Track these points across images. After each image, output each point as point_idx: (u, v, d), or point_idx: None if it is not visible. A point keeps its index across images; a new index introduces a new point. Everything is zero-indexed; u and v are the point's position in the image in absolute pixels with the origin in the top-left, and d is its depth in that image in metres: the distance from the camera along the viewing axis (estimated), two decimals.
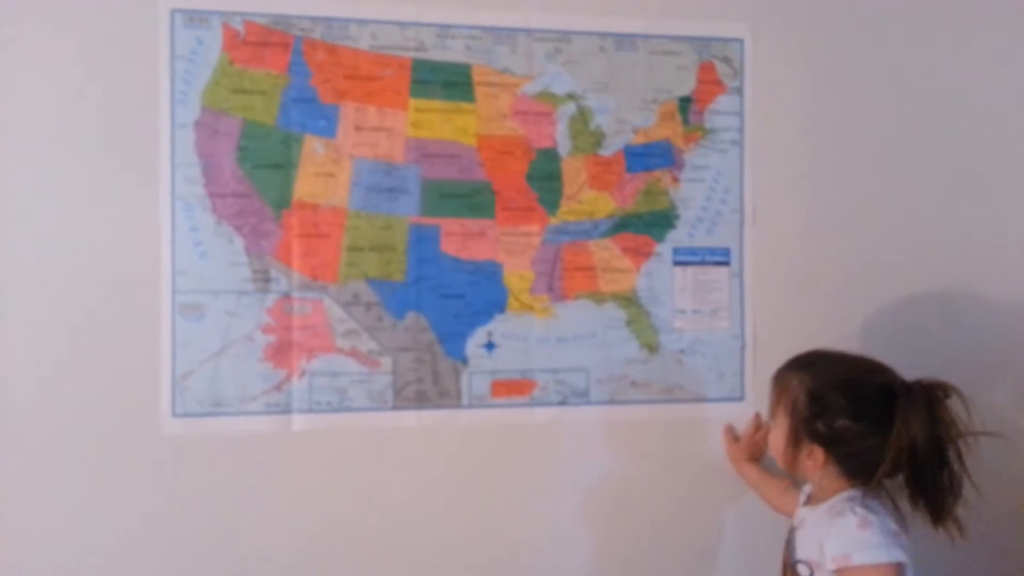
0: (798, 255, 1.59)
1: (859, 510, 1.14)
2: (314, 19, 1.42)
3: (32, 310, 1.35)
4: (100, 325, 1.37)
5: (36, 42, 1.35)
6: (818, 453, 1.18)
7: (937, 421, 1.13)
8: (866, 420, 1.15)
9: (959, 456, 1.15)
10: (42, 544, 1.36)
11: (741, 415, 1.56)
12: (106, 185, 1.37)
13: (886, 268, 1.61)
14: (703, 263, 1.55)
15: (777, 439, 1.24)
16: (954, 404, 1.16)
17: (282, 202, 1.41)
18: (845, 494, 1.19)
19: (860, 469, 1.17)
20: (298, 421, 1.42)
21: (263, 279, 1.41)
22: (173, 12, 1.38)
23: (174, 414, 1.39)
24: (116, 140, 1.37)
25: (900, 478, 1.17)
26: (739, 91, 1.56)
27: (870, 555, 1.11)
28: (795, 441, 1.20)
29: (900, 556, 1.11)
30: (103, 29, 1.37)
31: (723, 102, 1.55)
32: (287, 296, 1.42)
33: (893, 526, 1.14)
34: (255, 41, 1.40)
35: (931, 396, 1.14)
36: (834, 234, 1.60)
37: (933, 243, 1.63)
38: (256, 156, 1.40)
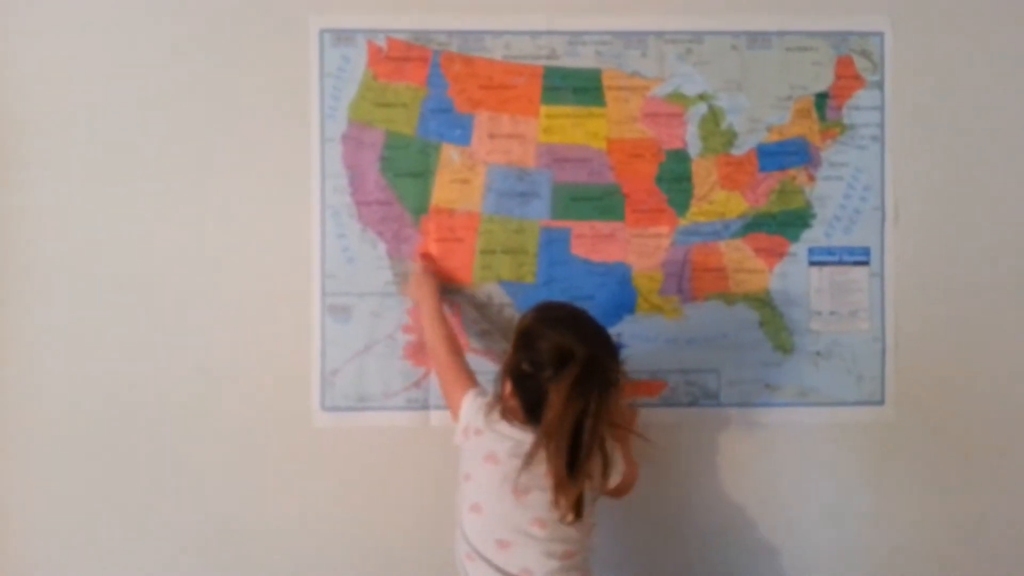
0: (942, 255, 1.52)
1: None
2: (451, 33, 1.48)
3: (194, 314, 1.48)
4: (257, 326, 1.48)
5: (197, 64, 1.48)
6: (508, 384, 1.23)
7: (586, 394, 1.14)
8: (544, 371, 1.18)
9: (594, 439, 1.15)
10: (207, 526, 1.49)
11: (880, 420, 1.51)
12: (262, 197, 1.49)
13: None
14: (841, 263, 1.50)
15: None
16: None
17: (421, 208, 1.48)
18: None
19: (532, 411, 1.19)
20: (435, 417, 1.49)
21: (404, 282, 1.48)
22: (322, 32, 1.48)
23: (323, 408, 1.49)
24: (271, 154, 1.48)
25: None
26: (879, 85, 1.50)
27: None
28: (502, 369, 1.27)
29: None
30: (259, 50, 1.48)
31: (862, 97, 1.50)
32: None
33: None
34: (397, 56, 1.48)
35: (591, 370, 1.14)
36: (980, 233, 1.52)
37: None
38: (397, 165, 1.48)
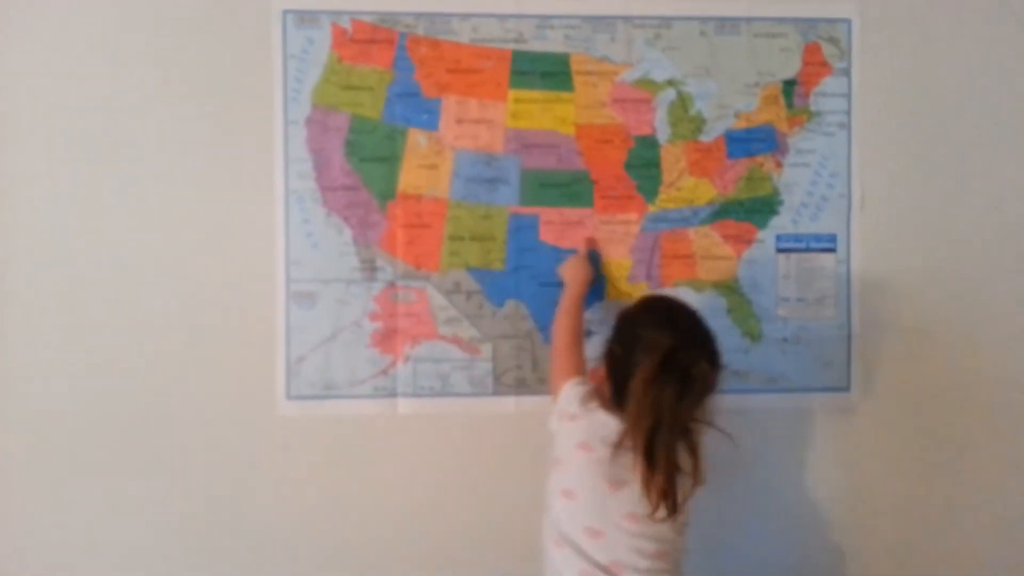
0: (908, 242, 1.53)
1: None
2: (418, 15, 1.46)
3: (154, 300, 1.45)
4: (220, 313, 1.46)
5: (154, 45, 1.44)
6: (601, 368, 1.25)
7: (664, 388, 1.12)
8: (633, 356, 1.17)
9: (686, 430, 1.15)
10: (166, 515, 1.47)
11: (846, 406, 1.52)
12: (224, 181, 1.46)
13: (999, 256, 1.54)
14: (808, 250, 1.51)
15: None
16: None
17: (387, 194, 1.46)
18: None
19: (619, 396, 1.19)
20: (403, 405, 1.48)
21: (370, 268, 1.46)
22: (285, 13, 1.45)
23: (288, 396, 1.46)
24: (233, 138, 1.45)
25: None
26: (846, 72, 1.51)
27: None
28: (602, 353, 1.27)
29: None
30: (219, 31, 1.45)
31: (830, 84, 1.50)
32: (392, 284, 1.47)
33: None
34: (362, 39, 1.45)
35: (674, 363, 1.13)
36: (945, 221, 1.53)
37: None
38: (363, 150, 1.46)
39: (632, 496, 1.14)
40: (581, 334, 1.37)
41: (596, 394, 1.24)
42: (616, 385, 1.20)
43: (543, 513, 1.24)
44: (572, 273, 1.42)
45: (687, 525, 1.21)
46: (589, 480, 1.16)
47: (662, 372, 1.12)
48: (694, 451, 1.15)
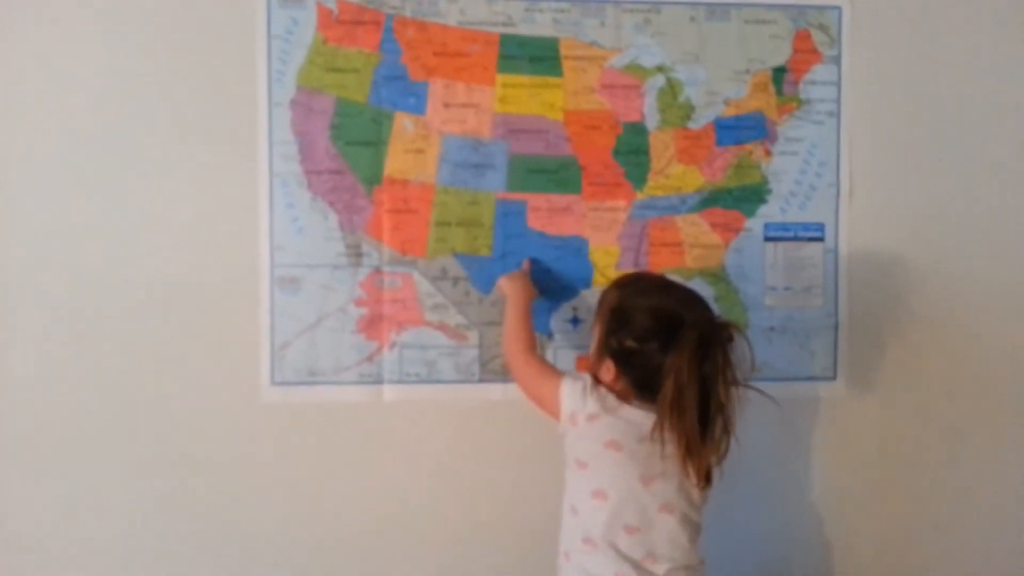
0: (896, 232, 1.53)
1: None
2: None
3: (137, 285, 1.43)
4: (203, 298, 1.44)
5: (135, 24, 1.42)
6: (611, 367, 1.19)
7: (707, 358, 1.12)
8: (651, 344, 1.15)
9: (726, 402, 1.14)
10: (148, 504, 1.46)
11: (832, 395, 1.52)
12: (206, 164, 1.43)
13: (987, 246, 1.54)
14: (796, 239, 1.51)
15: (591, 349, 1.27)
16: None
17: (374, 178, 1.45)
18: None
19: (646, 388, 1.17)
20: (388, 391, 1.47)
21: (356, 254, 1.45)
22: None
23: (272, 383, 1.45)
24: (216, 120, 1.43)
25: None
26: (836, 60, 1.50)
27: None
28: (599, 353, 1.22)
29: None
30: (202, 11, 1.42)
31: (820, 72, 1.50)
32: (378, 270, 1.46)
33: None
34: (348, 20, 1.43)
35: (710, 334, 1.13)
36: (933, 210, 1.53)
37: None
38: (349, 133, 1.44)
39: (665, 488, 1.16)
40: (535, 341, 1.36)
41: (603, 391, 1.21)
42: (638, 376, 1.17)
43: (559, 518, 1.24)
44: (512, 287, 1.40)
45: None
46: (623, 479, 1.16)
47: (704, 346, 1.11)
48: (727, 423, 1.16)
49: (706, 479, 1.16)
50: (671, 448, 1.14)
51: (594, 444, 1.18)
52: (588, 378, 1.22)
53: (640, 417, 1.17)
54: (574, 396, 1.21)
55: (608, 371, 1.20)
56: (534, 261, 1.47)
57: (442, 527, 1.50)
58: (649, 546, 1.16)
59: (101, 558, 1.45)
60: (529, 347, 1.33)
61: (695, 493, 1.19)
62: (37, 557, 1.44)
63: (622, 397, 1.19)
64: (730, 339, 1.15)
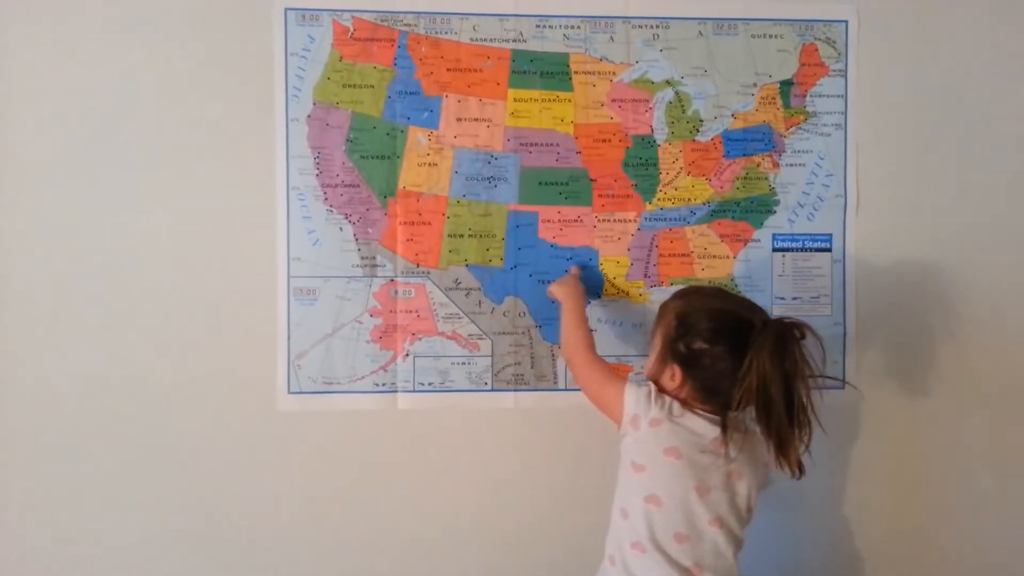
0: (903, 242, 1.54)
1: None
2: (418, 14, 1.47)
3: (157, 296, 1.46)
4: (222, 309, 1.47)
5: (158, 42, 1.45)
6: (677, 372, 1.21)
7: (786, 356, 1.14)
8: (720, 346, 1.18)
9: (808, 395, 1.17)
10: (163, 511, 1.48)
11: (840, 403, 1.53)
12: (225, 177, 1.47)
13: (993, 256, 1.55)
14: (804, 249, 1.53)
15: (650, 359, 1.28)
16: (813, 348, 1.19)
17: (388, 191, 1.48)
18: None
19: (712, 392, 1.19)
20: (403, 400, 1.49)
21: (370, 265, 1.48)
22: (286, 10, 1.46)
23: (289, 391, 1.48)
24: (234, 135, 1.46)
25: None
26: (843, 73, 1.52)
27: None
28: (662, 360, 1.24)
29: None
30: (220, 28, 1.46)
31: (826, 85, 1.52)
32: (392, 281, 1.48)
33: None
34: (363, 37, 1.46)
35: (785, 333, 1.16)
36: (939, 220, 1.55)
37: None
38: (364, 147, 1.47)
39: (719, 500, 1.18)
40: (594, 343, 1.37)
41: (667, 398, 1.23)
42: (705, 378, 1.20)
43: (609, 520, 1.26)
44: (565, 292, 1.42)
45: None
46: (678, 487, 1.18)
47: (779, 346, 1.14)
48: (806, 416, 1.18)
49: (799, 468, 1.18)
50: (730, 468, 1.17)
51: (654, 449, 1.19)
52: (652, 385, 1.24)
53: (703, 427, 1.19)
54: (639, 400, 1.22)
55: (673, 377, 1.21)
56: (583, 267, 1.50)
57: (456, 534, 1.52)
58: (697, 556, 1.18)
59: (115, 565, 1.48)
60: (590, 349, 1.34)
61: (744, 509, 1.21)
62: (46, 561, 1.47)
63: (685, 404, 1.21)
64: (803, 336, 1.18)
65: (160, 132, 1.46)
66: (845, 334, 1.53)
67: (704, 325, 1.20)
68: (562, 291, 1.42)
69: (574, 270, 1.50)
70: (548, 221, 1.50)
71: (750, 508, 1.22)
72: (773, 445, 1.17)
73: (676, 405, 1.21)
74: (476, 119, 1.48)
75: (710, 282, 1.51)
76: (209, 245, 1.47)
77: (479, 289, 1.50)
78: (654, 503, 1.19)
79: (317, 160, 1.47)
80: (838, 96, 1.52)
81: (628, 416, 1.23)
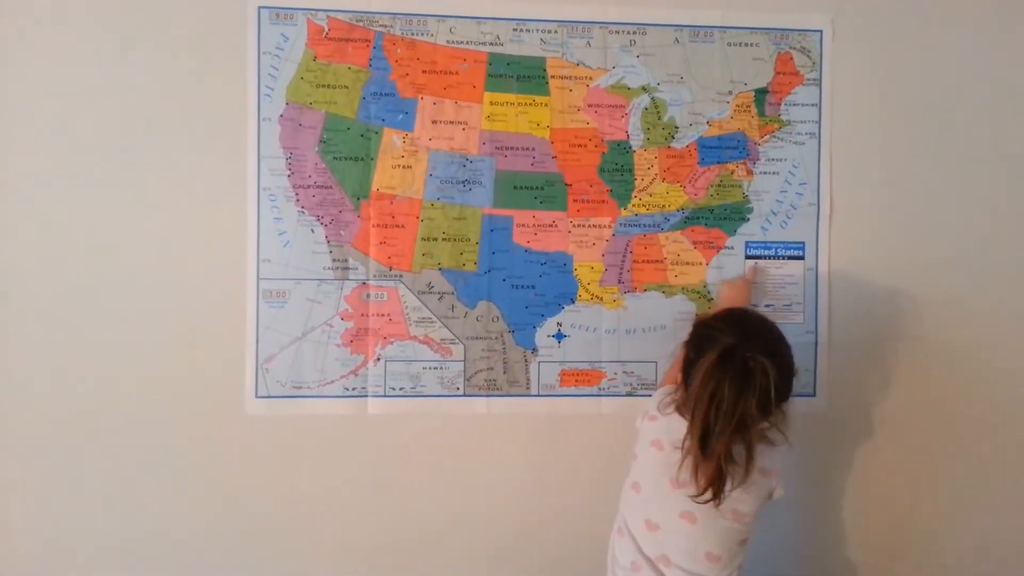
0: (875, 250, 1.55)
1: None
2: (394, 15, 1.46)
3: (124, 297, 1.44)
4: (190, 310, 1.44)
5: (128, 40, 1.43)
6: (679, 377, 1.26)
7: (725, 378, 1.12)
8: (691, 354, 1.21)
9: (749, 424, 1.14)
10: (131, 514, 1.46)
11: (812, 411, 1.54)
12: (195, 177, 1.44)
13: (966, 265, 1.57)
14: (776, 257, 1.53)
15: None
16: None
17: (361, 193, 1.46)
18: None
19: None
20: (373, 405, 1.47)
21: (342, 267, 1.46)
22: (260, 9, 1.44)
23: (257, 395, 1.46)
24: (205, 134, 1.44)
25: None
26: (817, 82, 1.53)
27: None
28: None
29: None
30: (192, 26, 1.44)
31: (801, 93, 1.53)
32: (364, 284, 1.47)
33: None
34: (338, 37, 1.45)
35: (729, 358, 1.14)
36: (912, 229, 1.56)
37: (1017, 241, 1.57)
38: (337, 148, 1.45)
39: (689, 496, 1.18)
40: None
41: (673, 400, 1.26)
42: (687, 387, 1.21)
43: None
44: (732, 296, 1.45)
45: (748, 540, 1.23)
46: (655, 476, 1.22)
47: (720, 365, 1.13)
48: (750, 448, 1.15)
49: (713, 492, 1.14)
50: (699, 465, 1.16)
51: (644, 441, 1.26)
52: (674, 386, 1.28)
53: (681, 425, 1.20)
54: (655, 400, 1.29)
55: (679, 381, 1.27)
56: (758, 271, 1.52)
57: (426, 538, 1.51)
58: (663, 548, 1.20)
59: (83, 567, 1.45)
60: None
61: (728, 511, 1.18)
62: (25, 563, 1.44)
63: (676, 406, 1.24)
64: (745, 368, 1.13)
65: (129, 129, 1.43)
66: (817, 342, 1.54)
67: (698, 336, 1.22)
68: (729, 295, 1.46)
69: (749, 274, 1.52)
70: (523, 225, 1.49)
71: (736, 511, 1.19)
72: (691, 453, 1.15)
73: (671, 405, 1.25)
74: (452, 122, 1.47)
75: (683, 289, 1.51)
76: (177, 246, 1.44)
77: (452, 293, 1.48)
78: (635, 489, 1.25)
79: (289, 160, 1.45)
80: (812, 105, 1.53)
81: (642, 412, 1.31)
